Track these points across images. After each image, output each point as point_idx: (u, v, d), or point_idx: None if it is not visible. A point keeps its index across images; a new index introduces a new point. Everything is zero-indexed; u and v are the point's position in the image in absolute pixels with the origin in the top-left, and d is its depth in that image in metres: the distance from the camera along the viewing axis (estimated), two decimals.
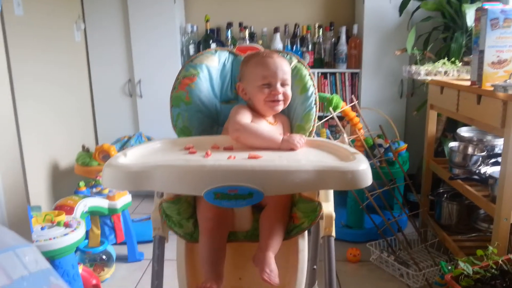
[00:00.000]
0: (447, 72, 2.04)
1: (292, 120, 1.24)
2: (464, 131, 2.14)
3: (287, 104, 1.19)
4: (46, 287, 0.83)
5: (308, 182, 0.84)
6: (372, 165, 2.14)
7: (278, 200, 1.10)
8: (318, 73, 2.87)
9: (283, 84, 1.15)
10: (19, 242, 0.91)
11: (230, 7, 3.06)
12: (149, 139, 2.62)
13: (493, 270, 1.38)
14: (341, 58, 2.84)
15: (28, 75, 2.22)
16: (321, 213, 1.07)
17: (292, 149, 1.03)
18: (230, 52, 1.31)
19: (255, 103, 1.17)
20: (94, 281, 1.74)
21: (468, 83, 1.73)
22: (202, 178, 0.83)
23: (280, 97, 1.15)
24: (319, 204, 1.07)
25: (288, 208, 1.14)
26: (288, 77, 1.16)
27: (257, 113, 1.17)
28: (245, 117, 1.12)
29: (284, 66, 1.15)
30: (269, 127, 1.17)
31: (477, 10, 1.65)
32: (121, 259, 2.15)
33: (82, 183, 2.13)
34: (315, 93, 1.23)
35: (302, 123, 1.21)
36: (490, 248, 1.43)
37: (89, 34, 2.86)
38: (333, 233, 1.08)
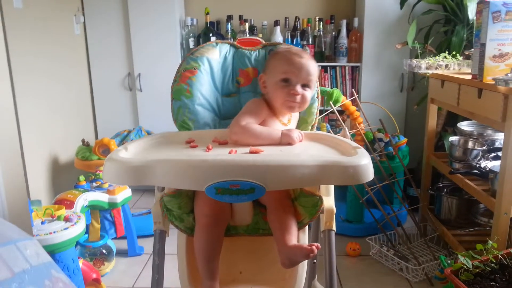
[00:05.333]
0: (448, 65, 2.03)
1: None
2: (464, 125, 2.14)
3: (303, 108, 1.16)
4: (48, 280, 0.83)
5: (310, 177, 0.84)
6: (372, 160, 2.13)
7: (276, 197, 1.10)
8: (318, 66, 2.85)
9: (304, 86, 1.11)
10: (20, 235, 0.91)
11: (230, 0, 3.04)
12: (148, 133, 2.61)
13: (492, 264, 1.39)
14: (341, 51, 2.83)
15: (27, 69, 2.21)
16: (322, 208, 1.07)
17: (290, 143, 1.04)
18: (231, 45, 1.29)
19: (272, 99, 1.13)
20: (94, 275, 1.74)
21: (469, 76, 1.73)
22: (204, 173, 0.83)
23: (298, 98, 1.10)
24: (320, 199, 1.07)
25: (289, 199, 1.14)
26: (312, 79, 1.12)
27: (272, 110, 1.14)
28: (248, 118, 1.08)
29: (311, 68, 1.11)
30: (280, 127, 1.13)
31: (479, 2, 1.63)
32: (121, 253, 2.15)
33: (82, 177, 2.13)
34: (317, 87, 1.23)
35: (305, 116, 1.22)
36: (490, 242, 1.44)
37: (88, 27, 2.84)
38: (334, 227, 1.08)
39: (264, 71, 1.18)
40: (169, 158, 0.89)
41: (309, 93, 1.13)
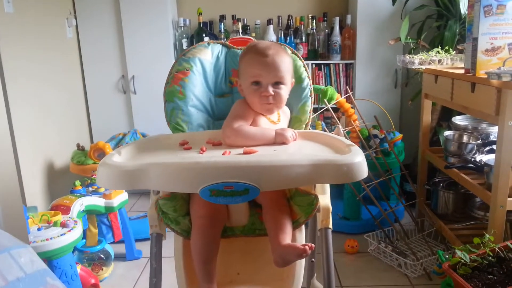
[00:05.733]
0: (441, 60, 2.03)
1: None
2: (458, 120, 2.14)
3: (281, 107, 1.14)
4: (43, 287, 0.83)
5: (304, 176, 0.83)
6: (367, 156, 2.14)
7: (272, 197, 1.10)
8: (312, 64, 2.85)
9: (277, 83, 1.09)
10: (14, 243, 0.91)
11: (223, 0, 3.03)
12: (144, 135, 2.60)
13: (490, 258, 1.39)
14: (335, 49, 2.83)
15: (20, 73, 2.20)
16: (318, 206, 1.07)
17: (284, 143, 1.03)
18: (223, 45, 1.29)
19: (249, 102, 1.13)
20: (92, 281, 1.74)
21: (462, 71, 1.73)
22: (197, 175, 0.82)
23: (271, 99, 1.09)
24: (316, 197, 1.07)
25: (285, 198, 1.13)
26: (284, 75, 1.09)
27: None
28: (239, 120, 1.07)
29: (280, 65, 1.08)
30: (269, 126, 1.13)
31: None
32: (119, 257, 2.14)
33: (78, 182, 2.12)
34: (310, 85, 1.22)
35: (299, 114, 1.22)
36: (487, 235, 1.44)
37: (81, 30, 2.83)
38: (330, 225, 1.08)
39: (238, 75, 1.17)
40: (162, 161, 0.88)
41: (283, 90, 1.10)
